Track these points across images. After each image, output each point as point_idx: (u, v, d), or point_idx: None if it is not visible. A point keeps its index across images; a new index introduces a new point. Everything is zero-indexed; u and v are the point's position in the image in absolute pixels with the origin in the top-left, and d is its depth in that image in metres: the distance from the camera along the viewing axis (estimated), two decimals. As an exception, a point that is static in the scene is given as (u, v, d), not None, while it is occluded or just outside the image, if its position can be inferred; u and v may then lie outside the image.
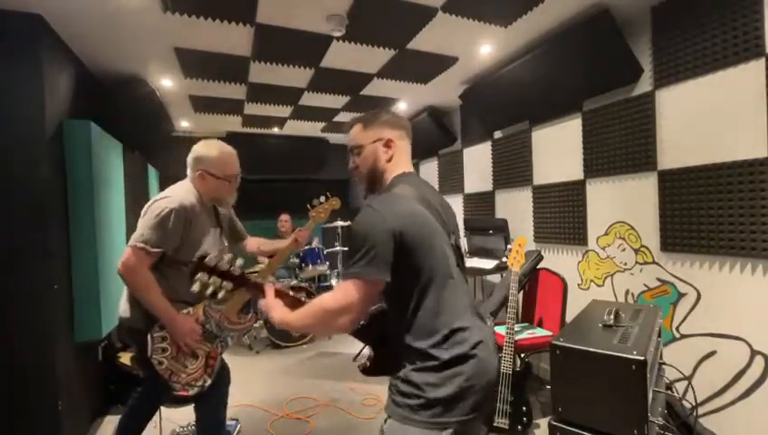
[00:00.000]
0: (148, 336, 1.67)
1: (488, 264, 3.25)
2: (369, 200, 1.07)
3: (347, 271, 1.02)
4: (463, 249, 1.28)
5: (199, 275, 1.19)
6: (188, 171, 1.85)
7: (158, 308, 1.65)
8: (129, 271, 1.62)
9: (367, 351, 1.20)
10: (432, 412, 0.98)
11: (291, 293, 1.24)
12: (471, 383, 1.01)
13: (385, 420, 1.03)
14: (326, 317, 1.03)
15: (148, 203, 1.73)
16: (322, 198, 2.20)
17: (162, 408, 2.88)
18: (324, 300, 1.05)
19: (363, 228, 1.01)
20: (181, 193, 1.75)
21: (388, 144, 1.20)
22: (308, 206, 2.19)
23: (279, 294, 1.21)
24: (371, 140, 1.21)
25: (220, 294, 1.22)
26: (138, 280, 1.63)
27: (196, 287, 1.20)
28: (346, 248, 4.68)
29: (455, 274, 1.09)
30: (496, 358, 1.12)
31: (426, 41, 2.73)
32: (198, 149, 1.85)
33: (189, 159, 1.84)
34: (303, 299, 1.21)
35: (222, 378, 1.98)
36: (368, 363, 1.18)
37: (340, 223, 4.85)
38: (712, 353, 2.14)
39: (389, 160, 1.20)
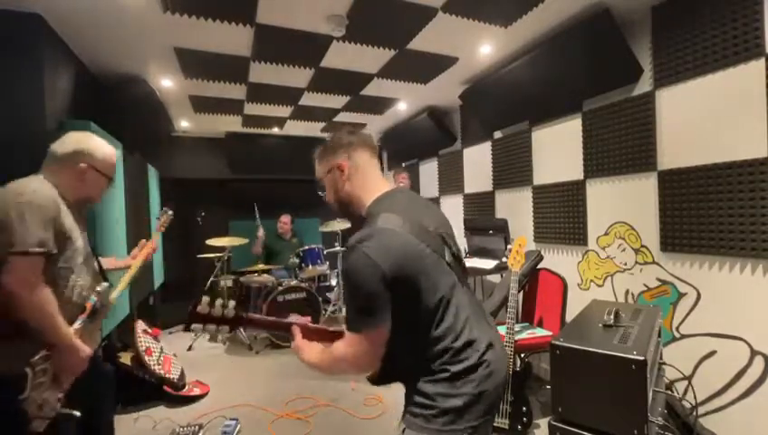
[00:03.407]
0: (28, 371, 1.28)
1: (488, 264, 3.25)
2: (356, 239, 1.01)
3: (350, 325, 1.03)
4: (462, 252, 1.27)
5: (194, 325, 1.17)
6: (53, 164, 1.50)
7: (61, 331, 1.34)
8: (28, 287, 1.28)
9: None
10: (445, 420, 0.99)
11: (317, 326, 1.24)
12: (482, 389, 1.02)
13: (402, 431, 1.05)
14: (343, 367, 1.07)
15: (3, 201, 1.33)
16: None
17: (162, 407, 2.90)
18: (338, 353, 1.06)
19: (357, 277, 0.99)
20: (38, 186, 1.41)
21: (339, 169, 1.18)
22: (157, 218, 2.35)
23: (306, 331, 1.21)
24: (326, 172, 1.22)
25: (219, 338, 1.21)
26: (40, 296, 1.30)
27: (193, 335, 1.17)
28: (344, 249, 4.68)
29: (458, 291, 1.08)
30: (506, 357, 1.12)
31: (426, 41, 2.73)
32: (85, 140, 1.56)
33: (67, 150, 1.51)
34: (331, 330, 1.22)
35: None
36: (375, 375, 1.19)
37: (339, 225, 4.85)
38: (712, 353, 2.14)
39: (348, 184, 1.18)
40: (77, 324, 1.45)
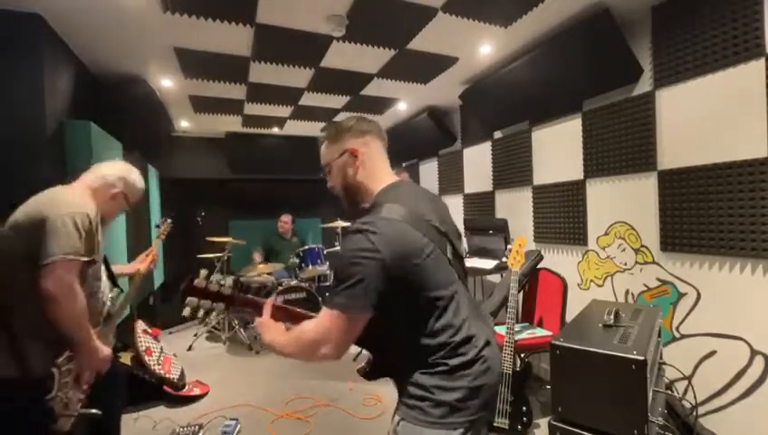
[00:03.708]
0: (54, 371, 1.35)
1: (488, 264, 3.25)
2: (358, 224, 0.99)
3: (329, 300, 0.98)
4: (463, 252, 1.25)
5: (189, 299, 1.15)
6: (97, 182, 1.62)
7: (88, 335, 1.42)
8: (66, 292, 1.32)
9: (365, 353, 1.18)
10: (441, 413, 0.99)
11: (290, 307, 1.18)
12: (479, 383, 1.01)
13: (398, 423, 1.04)
14: (306, 347, 1.01)
15: (49, 209, 1.38)
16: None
17: (162, 407, 2.90)
18: (305, 330, 1.02)
19: (355, 257, 0.95)
20: (85, 199, 1.53)
21: (353, 154, 1.14)
22: (156, 226, 2.36)
23: (277, 310, 1.16)
24: (337, 155, 1.16)
25: (212, 315, 1.18)
26: (76, 302, 1.35)
27: (186, 311, 1.16)
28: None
29: (457, 287, 1.07)
30: (500, 355, 1.12)
31: (426, 41, 2.73)
32: (126, 170, 1.71)
33: (111, 174, 1.66)
34: (304, 313, 1.16)
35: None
36: (367, 368, 1.17)
37: (340, 223, 4.85)
38: (712, 353, 2.14)
39: (361, 171, 1.15)
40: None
